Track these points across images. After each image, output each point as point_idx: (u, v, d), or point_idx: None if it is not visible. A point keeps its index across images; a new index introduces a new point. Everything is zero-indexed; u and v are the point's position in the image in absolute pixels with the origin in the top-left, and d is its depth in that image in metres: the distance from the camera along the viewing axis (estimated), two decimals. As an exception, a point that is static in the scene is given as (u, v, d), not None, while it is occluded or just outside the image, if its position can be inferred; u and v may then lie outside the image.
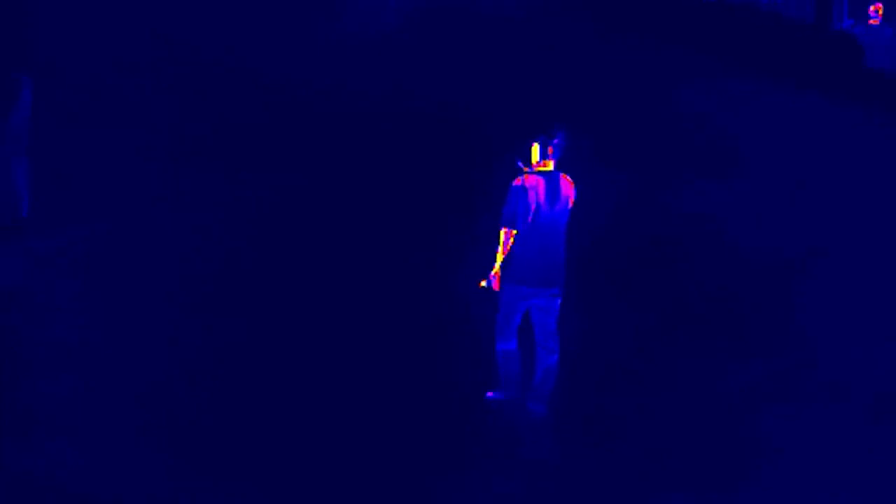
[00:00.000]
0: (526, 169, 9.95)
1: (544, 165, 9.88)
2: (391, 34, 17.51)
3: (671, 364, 11.86)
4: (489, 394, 10.37)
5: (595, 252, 13.41)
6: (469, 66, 16.73)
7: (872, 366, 12.08)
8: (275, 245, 13.29)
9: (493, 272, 10.00)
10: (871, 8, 18.20)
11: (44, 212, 12.92)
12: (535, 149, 9.90)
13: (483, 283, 10.05)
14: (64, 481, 9.68)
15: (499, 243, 9.93)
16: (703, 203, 14.56)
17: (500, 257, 9.93)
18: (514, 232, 9.81)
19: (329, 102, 16.09)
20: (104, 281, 12.34)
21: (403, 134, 15.37)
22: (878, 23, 18.09)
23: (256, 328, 11.83)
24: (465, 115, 15.50)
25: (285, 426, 10.49)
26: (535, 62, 17.03)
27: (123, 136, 14.71)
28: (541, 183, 9.79)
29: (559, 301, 10.04)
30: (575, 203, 10.09)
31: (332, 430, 10.34)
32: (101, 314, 11.81)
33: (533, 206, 9.80)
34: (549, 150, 9.91)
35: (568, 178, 9.98)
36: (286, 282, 12.65)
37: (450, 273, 12.02)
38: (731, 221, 14.28)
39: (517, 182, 9.82)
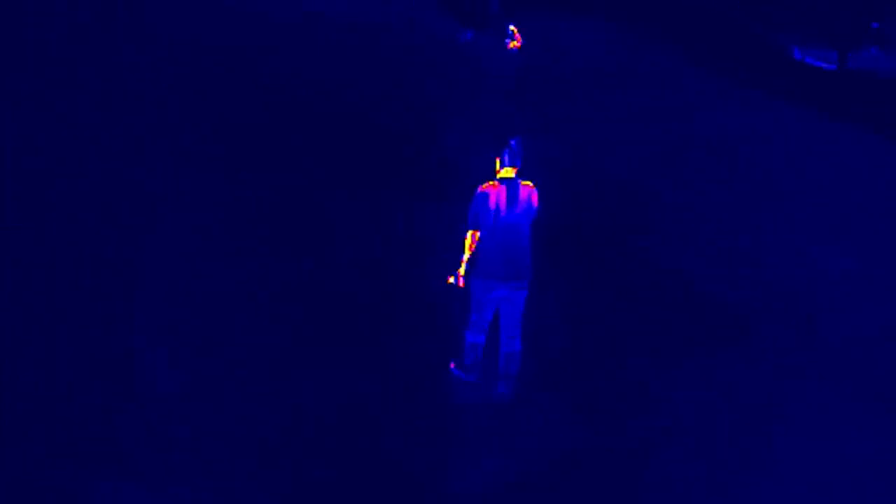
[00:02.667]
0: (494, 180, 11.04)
1: (506, 173, 10.95)
2: (385, 42, 17.64)
3: (672, 363, 11.95)
4: (452, 367, 11.41)
5: (597, 253, 13.52)
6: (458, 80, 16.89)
7: (873, 365, 12.12)
8: (273, 244, 13.34)
9: (459, 271, 11.12)
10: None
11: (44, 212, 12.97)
12: (498, 161, 11.02)
13: (451, 280, 11.14)
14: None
15: (464, 244, 11.07)
16: (715, 207, 14.74)
17: (466, 256, 11.06)
18: (478, 232, 10.94)
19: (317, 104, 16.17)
20: (104, 281, 12.37)
21: (390, 138, 15.52)
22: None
23: (255, 327, 11.91)
24: (448, 124, 15.73)
25: (283, 410, 10.64)
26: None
27: (123, 136, 14.75)
28: (502, 189, 10.88)
29: (524, 294, 11.12)
30: (539, 206, 11.10)
31: (325, 416, 10.83)
32: (99, 315, 11.83)
33: (493, 210, 10.87)
34: (500, 160, 11.01)
35: (529, 184, 11.03)
36: (281, 279, 12.71)
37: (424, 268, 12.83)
38: (739, 224, 14.45)
39: (480, 189, 10.92)
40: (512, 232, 10.92)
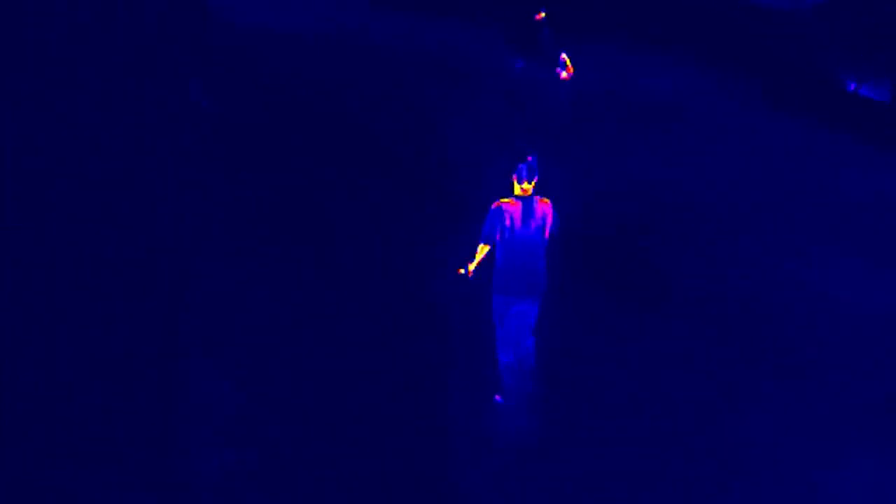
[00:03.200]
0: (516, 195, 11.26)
1: (523, 190, 11.14)
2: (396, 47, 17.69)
3: (674, 362, 12.00)
4: (497, 398, 11.42)
5: (605, 258, 13.64)
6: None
7: (873, 367, 12.16)
8: (275, 244, 13.36)
9: (469, 267, 11.31)
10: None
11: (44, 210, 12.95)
12: (514, 177, 11.19)
13: (461, 270, 11.33)
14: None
15: (475, 253, 11.29)
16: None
17: (475, 262, 11.27)
18: (488, 247, 11.15)
19: (332, 107, 16.20)
20: (104, 281, 12.37)
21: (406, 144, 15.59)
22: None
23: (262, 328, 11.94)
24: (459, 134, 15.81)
25: (289, 422, 10.63)
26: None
27: (124, 135, 14.74)
28: (517, 206, 11.08)
29: (537, 307, 11.33)
30: (554, 223, 11.30)
31: (334, 421, 10.88)
32: (99, 314, 11.83)
33: (508, 226, 11.05)
34: (516, 178, 11.20)
35: (545, 200, 11.21)
36: (286, 280, 12.72)
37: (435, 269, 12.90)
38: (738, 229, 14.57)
39: (495, 205, 11.11)
40: (527, 248, 11.11)
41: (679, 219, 15.02)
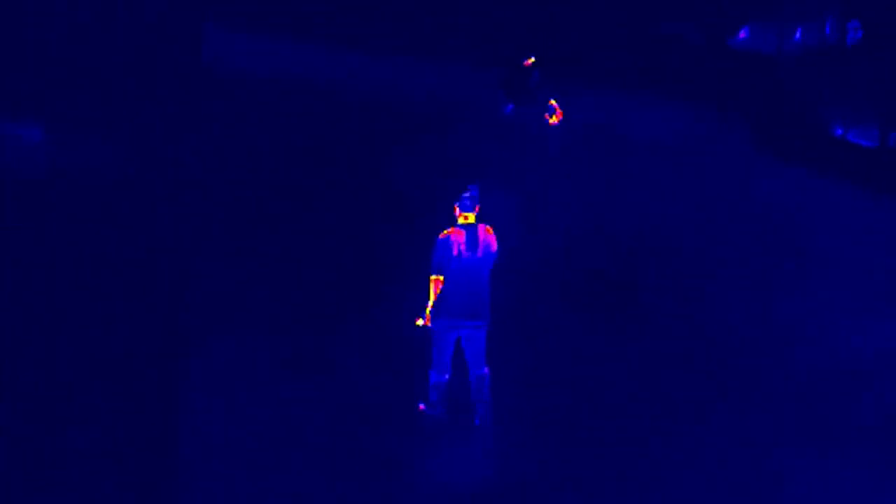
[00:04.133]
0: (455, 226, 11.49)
1: (465, 218, 11.33)
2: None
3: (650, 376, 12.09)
4: (420, 406, 11.69)
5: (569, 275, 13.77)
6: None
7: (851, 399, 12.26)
8: (275, 244, 13.38)
9: (426, 313, 11.46)
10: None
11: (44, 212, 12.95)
12: (457, 207, 11.43)
13: (419, 322, 11.45)
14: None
15: (429, 287, 11.41)
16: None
17: (432, 299, 11.40)
18: (442, 278, 11.28)
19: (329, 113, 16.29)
20: (106, 282, 12.38)
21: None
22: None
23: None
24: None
25: (288, 421, 10.67)
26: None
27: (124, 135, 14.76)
28: (462, 234, 11.29)
29: (484, 331, 11.51)
30: (498, 249, 11.50)
31: (333, 420, 11.08)
32: (101, 315, 11.84)
33: (455, 254, 11.25)
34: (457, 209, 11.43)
35: (488, 228, 11.45)
36: (285, 280, 12.76)
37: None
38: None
39: (442, 235, 11.31)
40: (473, 274, 11.31)
41: (668, 246, 15.17)
